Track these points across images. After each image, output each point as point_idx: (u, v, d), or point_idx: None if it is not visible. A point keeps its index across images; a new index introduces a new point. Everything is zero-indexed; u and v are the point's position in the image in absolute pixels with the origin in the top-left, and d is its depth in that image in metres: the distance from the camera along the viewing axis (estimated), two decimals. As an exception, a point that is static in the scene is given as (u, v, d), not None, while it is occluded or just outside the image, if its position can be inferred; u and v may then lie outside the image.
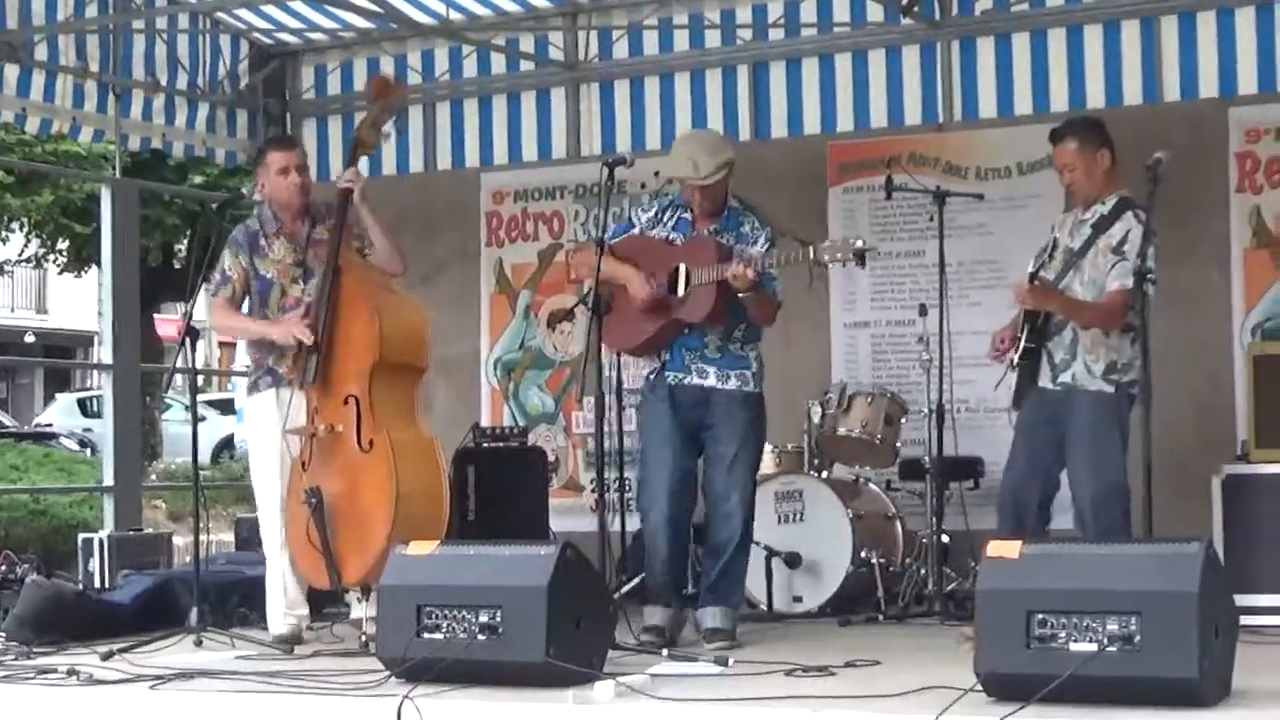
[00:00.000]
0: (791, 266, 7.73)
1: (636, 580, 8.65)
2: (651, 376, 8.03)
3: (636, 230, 8.09)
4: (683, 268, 7.83)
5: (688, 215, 8.03)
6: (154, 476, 21.11)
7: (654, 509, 7.93)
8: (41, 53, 10.81)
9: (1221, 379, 9.59)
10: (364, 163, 8.41)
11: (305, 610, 8.17)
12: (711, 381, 7.91)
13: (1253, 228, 9.78)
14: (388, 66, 12.00)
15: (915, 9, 10.40)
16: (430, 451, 7.91)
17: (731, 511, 7.89)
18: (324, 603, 8.56)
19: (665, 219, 8.06)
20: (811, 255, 7.55)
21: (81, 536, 10.35)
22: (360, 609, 7.75)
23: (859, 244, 7.48)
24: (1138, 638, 5.38)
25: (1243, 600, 6.29)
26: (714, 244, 7.84)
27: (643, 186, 10.39)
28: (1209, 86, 10.03)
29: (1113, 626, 5.42)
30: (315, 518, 7.67)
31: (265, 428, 8.14)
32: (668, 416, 7.94)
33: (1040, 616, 5.52)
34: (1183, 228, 9.13)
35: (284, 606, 8.09)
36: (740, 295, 7.67)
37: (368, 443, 7.72)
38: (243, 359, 12.83)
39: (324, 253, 8.03)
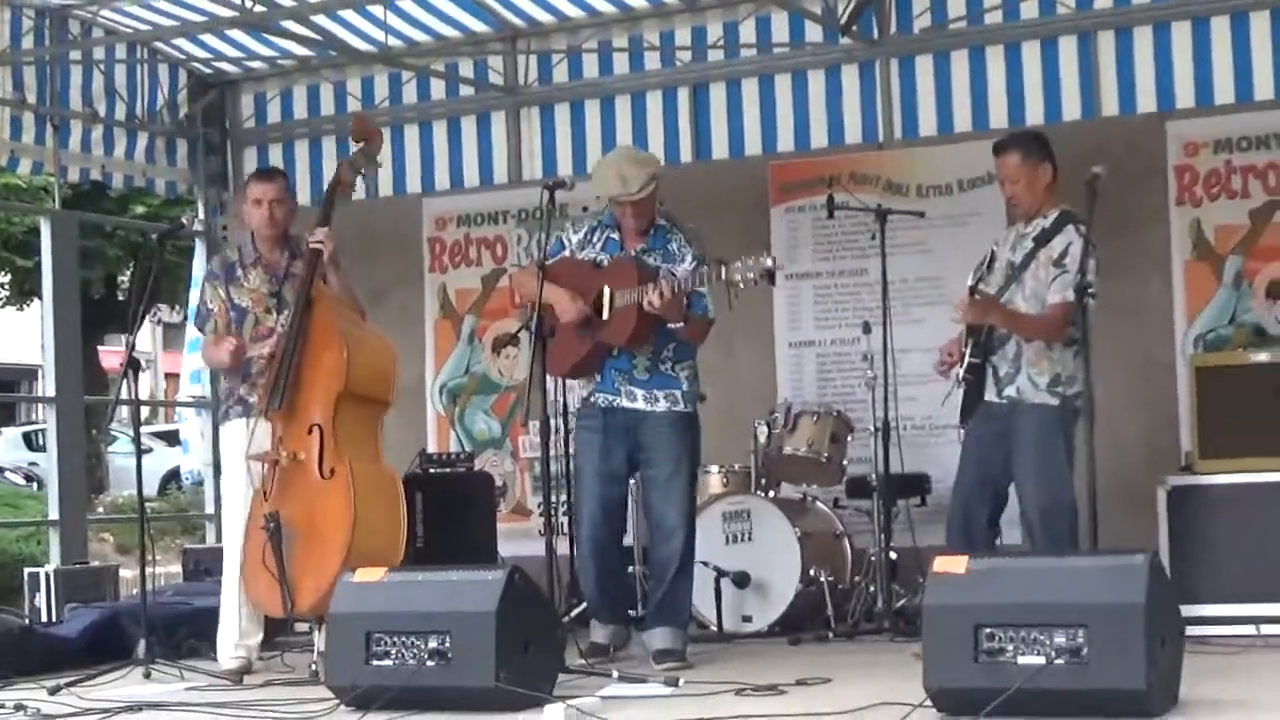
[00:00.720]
0: (711, 286, 7.73)
1: (585, 604, 8.65)
2: (586, 398, 8.04)
3: (567, 252, 8.10)
4: (607, 290, 7.85)
5: (616, 235, 8.04)
6: (101, 509, 20.98)
7: (582, 533, 8.01)
8: (-23, 85, 10.77)
9: (1165, 391, 9.64)
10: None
11: (258, 639, 8.15)
12: (640, 404, 7.93)
13: (1193, 240, 9.84)
14: (327, 94, 12.01)
15: (854, 28, 10.44)
16: (391, 486, 7.91)
17: (671, 532, 7.90)
18: (276, 631, 8.52)
19: (594, 240, 8.06)
20: (723, 275, 7.55)
21: (28, 571, 10.27)
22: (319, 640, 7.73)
23: (768, 262, 7.48)
24: (1085, 650, 5.40)
25: (1188, 611, 6.32)
26: (635, 266, 7.85)
27: (585, 210, 10.35)
28: (1147, 101, 10.09)
29: (1060, 639, 5.44)
30: (272, 543, 7.64)
31: (234, 456, 8.15)
32: (598, 440, 7.97)
33: (988, 630, 5.54)
34: (1123, 241, 9.18)
35: (235, 637, 8.06)
36: (659, 317, 7.69)
37: (329, 471, 7.71)
38: (187, 389, 12.80)
39: (298, 285, 8.04)
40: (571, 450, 8.17)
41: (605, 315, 7.85)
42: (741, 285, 7.54)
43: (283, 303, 8.14)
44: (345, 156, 8.59)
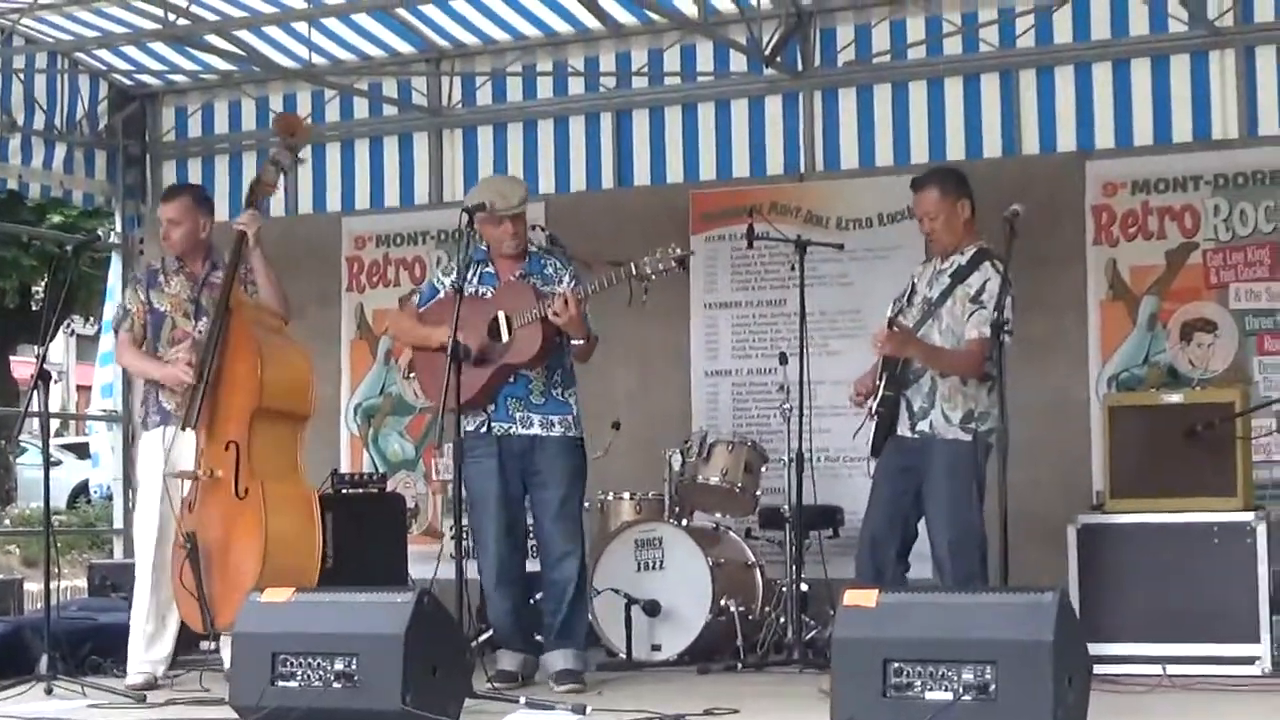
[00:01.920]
0: (616, 289, 7.77)
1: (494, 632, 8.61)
2: (478, 430, 8.01)
3: (443, 294, 8.13)
4: (502, 315, 7.91)
5: (490, 268, 8.14)
6: (8, 521, 20.77)
7: (489, 563, 8.03)
8: (-106, 92, 10.66)
9: (1077, 429, 9.68)
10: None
11: (166, 652, 8.09)
12: (537, 430, 8.00)
13: (1109, 280, 9.90)
14: (249, 109, 11.94)
15: (778, 59, 10.46)
16: (306, 505, 7.88)
17: (564, 556, 8.00)
18: (181, 649, 8.44)
19: (470, 276, 8.05)
20: (634, 270, 7.65)
21: None
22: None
23: (677, 250, 7.63)
24: (993, 687, 5.41)
25: (1096, 649, 6.35)
26: (528, 286, 7.98)
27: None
28: (1067, 140, 10.16)
29: (968, 675, 5.45)
30: (190, 561, 7.63)
31: (148, 466, 8.15)
32: (495, 469, 8.00)
33: (896, 665, 5.54)
34: (1040, 279, 9.23)
35: (142, 652, 8.01)
36: (565, 331, 7.79)
37: (243, 490, 7.68)
38: (99, 403, 12.69)
39: (218, 293, 8.00)
40: (465, 483, 8.15)
41: (505, 337, 7.89)
42: (653, 276, 7.63)
43: (200, 309, 8.15)
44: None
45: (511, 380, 7.98)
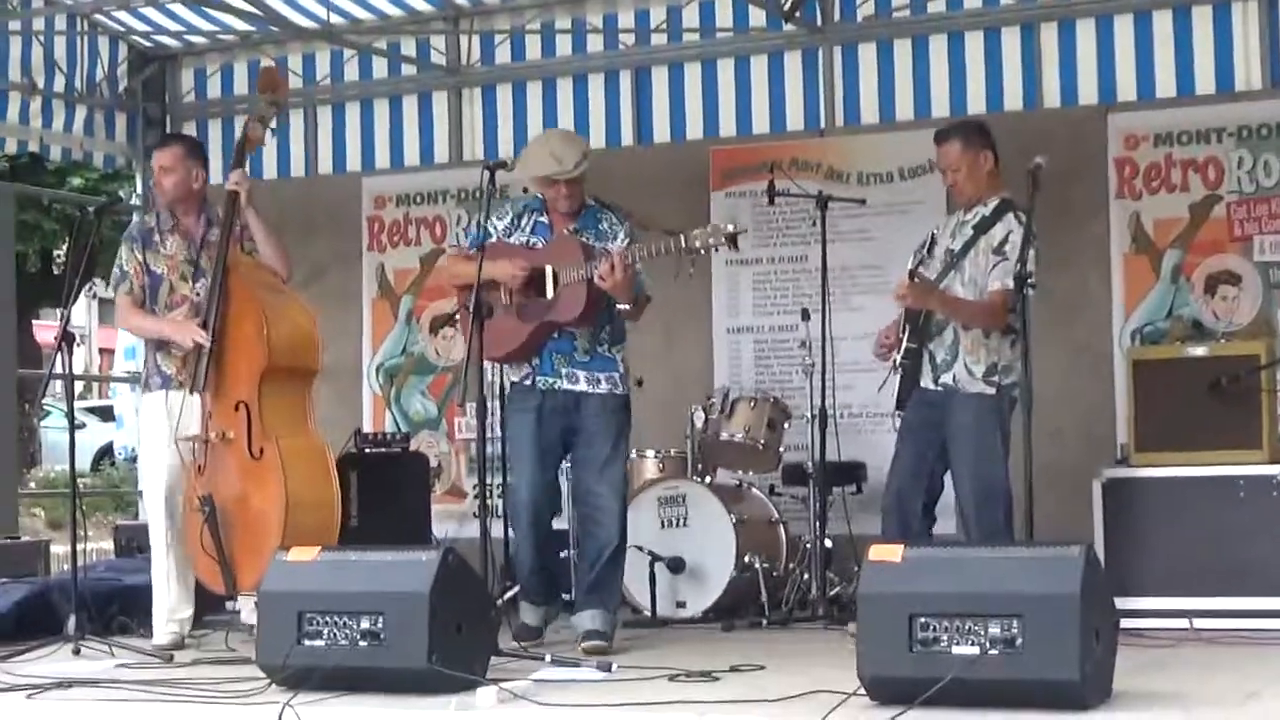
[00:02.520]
0: (661, 259, 7.68)
1: (518, 586, 8.62)
2: (522, 382, 7.97)
3: (494, 238, 8.01)
4: (549, 269, 7.80)
5: (544, 219, 8.00)
6: (33, 484, 20.86)
7: (518, 518, 7.97)
8: (-88, 55, 10.67)
9: (1102, 383, 9.68)
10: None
11: (188, 613, 8.11)
12: (582, 386, 7.88)
13: (1132, 233, 9.87)
14: (268, 69, 11.92)
15: (797, 15, 10.43)
16: (321, 458, 7.88)
17: (605, 515, 7.87)
18: (206, 609, 8.47)
19: (522, 224, 8.00)
20: (684, 243, 7.51)
21: None
22: (252, 615, 7.68)
23: (730, 227, 7.49)
24: (1019, 640, 5.40)
25: (1123, 603, 6.34)
26: (578, 243, 7.82)
27: (525, 190, 10.30)
28: (1089, 93, 10.11)
29: (994, 629, 5.44)
30: (209, 525, 7.64)
31: (152, 429, 8.13)
32: (532, 424, 7.91)
33: (922, 620, 5.53)
34: (1063, 233, 9.20)
35: (166, 612, 8.03)
36: (609, 293, 7.65)
37: (258, 450, 7.69)
38: (123, 365, 12.71)
39: (214, 253, 8.00)
40: (504, 433, 8.12)
41: (550, 294, 7.81)
42: (702, 251, 7.53)
43: (199, 271, 8.12)
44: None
45: (556, 336, 7.86)
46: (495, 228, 8.04)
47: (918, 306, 7.71)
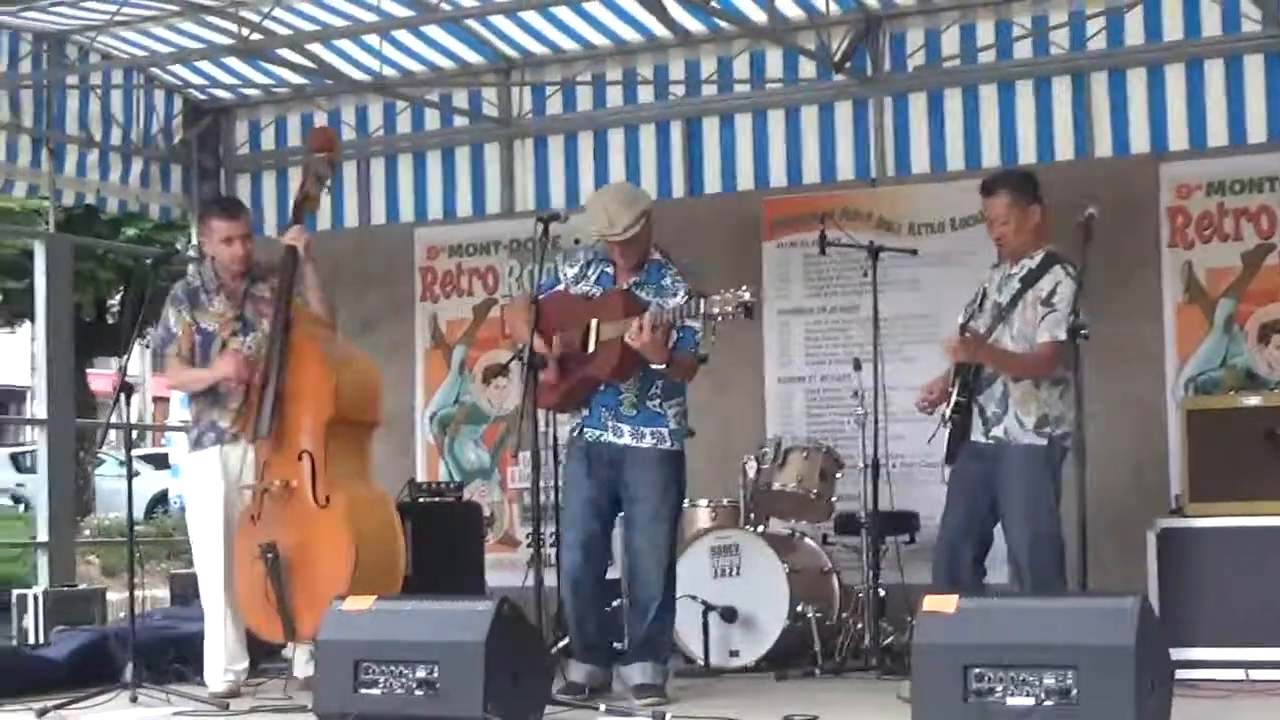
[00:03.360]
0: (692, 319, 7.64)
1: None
2: (572, 433, 8.00)
3: (562, 286, 8.06)
4: (594, 323, 7.83)
5: (610, 269, 7.99)
6: (88, 532, 20.96)
7: (566, 569, 7.94)
8: (-26, 108, 10.80)
9: (1156, 433, 9.64)
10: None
11: (244, 664, 8.13)
12: (626, 440, 7.87)
13: (1184, 283, 9.85)
14: (321, 122, 12.01)
15: (847, 65, 10.47)
16: (385, 509, 7.92)
17: (649, 571, 7.85)
18: (262, 658, 8.51)
19: (589, 273, 8.02)
20: (700, 309, 7.48)
21: (15, 592, 10.26)
22: (307, 666, 7.72)
23: (745, 295, 7.38)
24: (1074, 692, 5.40)
25: (1177, 654, 6.32)
26: (623, 299, 7.79)
27: (576, 241, 10.32)
28: (1140, 142, 10.11)
29: (1049, 681, 5.44)
30: (271, 573, 7.64)
31: (207, 484, 8.13)
32: (583, 475, 7.92)
33: (977, 671, 5.54)
34: (1115, 283, 9.20)
35: (224, 662, 8.04)
36: (642, 354, 7.61)
37: (324, 499, 7.71)
38: (178, 414, 12.80)
39: (263, 308, 8.08)
40: (560, 482, 8.15)
41: (591, 348, 7.83)
42: (719, 318, 7.47)
43: (247, 325, 8.16)
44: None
45: (602, 388, 7.87)
46: (566, 275, 8.07)
47: (968, 361, 7.70)
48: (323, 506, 7.69)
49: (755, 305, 7.48)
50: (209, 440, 8.15)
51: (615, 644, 8.20)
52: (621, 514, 8.01)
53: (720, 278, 8.01)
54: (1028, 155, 10.27)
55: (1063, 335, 7.31)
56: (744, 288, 7.44)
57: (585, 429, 7.95)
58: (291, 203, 8.60)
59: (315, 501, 7.71)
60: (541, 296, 7.95)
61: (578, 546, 7.89)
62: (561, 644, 8.73)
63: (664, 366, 7.67)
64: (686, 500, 9.50)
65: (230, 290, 8.23)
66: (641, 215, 7.82)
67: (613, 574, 8.31)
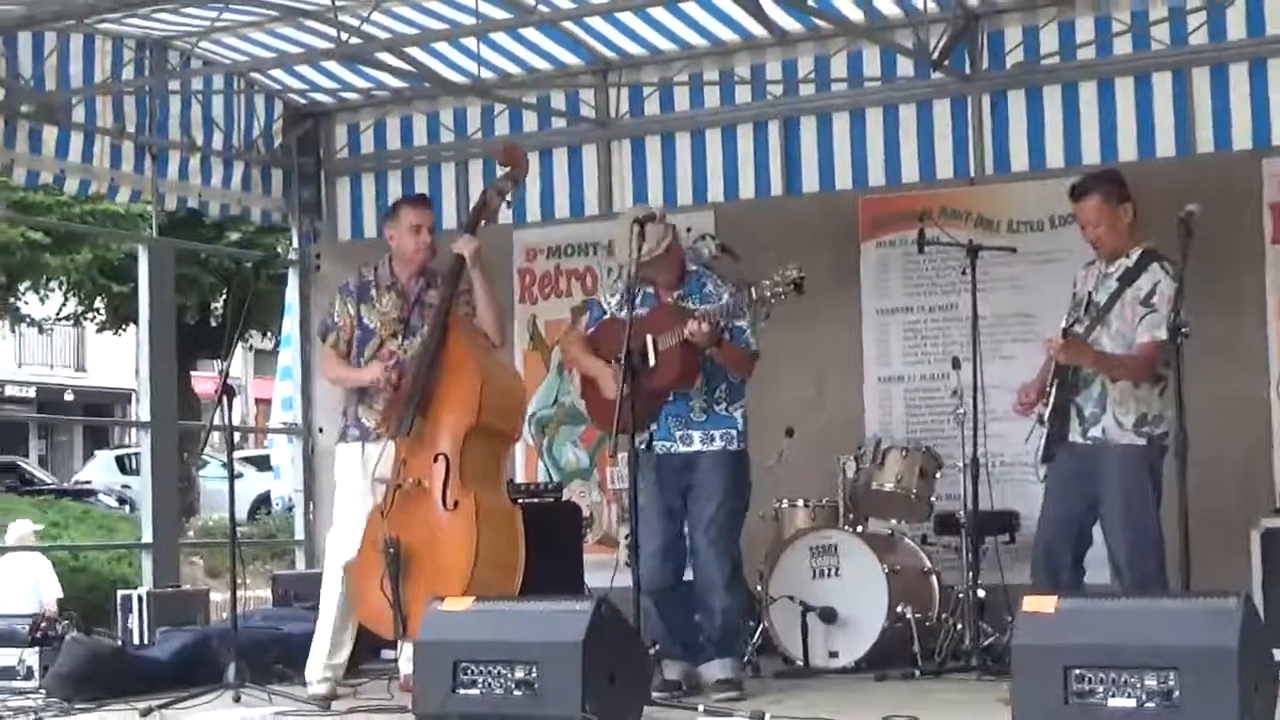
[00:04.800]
0: (753, 309, 7.75)
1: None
2: (641, 447, 7.98)
3: (607, 315, 8.19)
4: (649, 338, 7.88)
5: (651, 289, 8.11)
6: (191, 533, 21.18)
7: (645, 575, 7.93)
8: (79, 115, 10.94)
9: (1258, 431, 9.56)
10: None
11: (342, 658, 8.12)
12: (696, 445, 8.02)
13: (1288, 278, 9.76)
14: (420, 125, 12.10)
15: (946, 63, 10.43)
16: (511, 521, 7.90)
17: (713, 570, 7.97)
18: (364, 658, 8.56)
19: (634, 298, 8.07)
20: (753, 295, 7.59)
21: (120, 593, 10.39)
22: (409, 665, 7.75)
23: (794, 273, 7.48)
24: (1177, 693, 5.36)
25: (1281, 655, 6.26)
26: (671, 310, 7.94)
27: (609, 271, 10.41)
28: (1242, 138, 10.02)
29: (1151, 682, 5.40)
30: (390, 567, 7.65)
31: (346, 477, 8.20)
32: (654, 487, 8.03)
33: (1078, 672, 5.50)
34: (1217, 280, 9.10)
35: (324, 658, 8.06)
36: (707, 351, 7.76)
37: (453, 502, 7.72)
38: (279, 416, 12.90)
39: (429, 314, 8.08)
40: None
41: (652, 362, 7.89)
42: (771, 299, 7.57)
43: (409, 329, 8.17)
44: (489, 183, 8.60)
45: (671, 399, 7.98)
46: (609, 304, 8.23)
47: (1070, 363, 7.66)
48: (450, 510, 7.71)
49: (803, 280, 7.53)
50: (352, 435, 8.22)
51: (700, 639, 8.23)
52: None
53: (818, 277, 8.01)
54: (1128, 152, 10.21)
55: (1163, 335, 7.25)
56: (791, 266, 7.54)
57: (655, 442, 8.07)
58: (470, 210, 8.65)
59: (444, 504, 7.72)
60: (590, 328, 8.18)
61: (656, 550, 8.00)
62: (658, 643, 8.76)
63: (716, 349, 7.77)
64: (784, 501, 9.55)
65: (403, 289, 8.24)
66: (665, 233, 7.96)
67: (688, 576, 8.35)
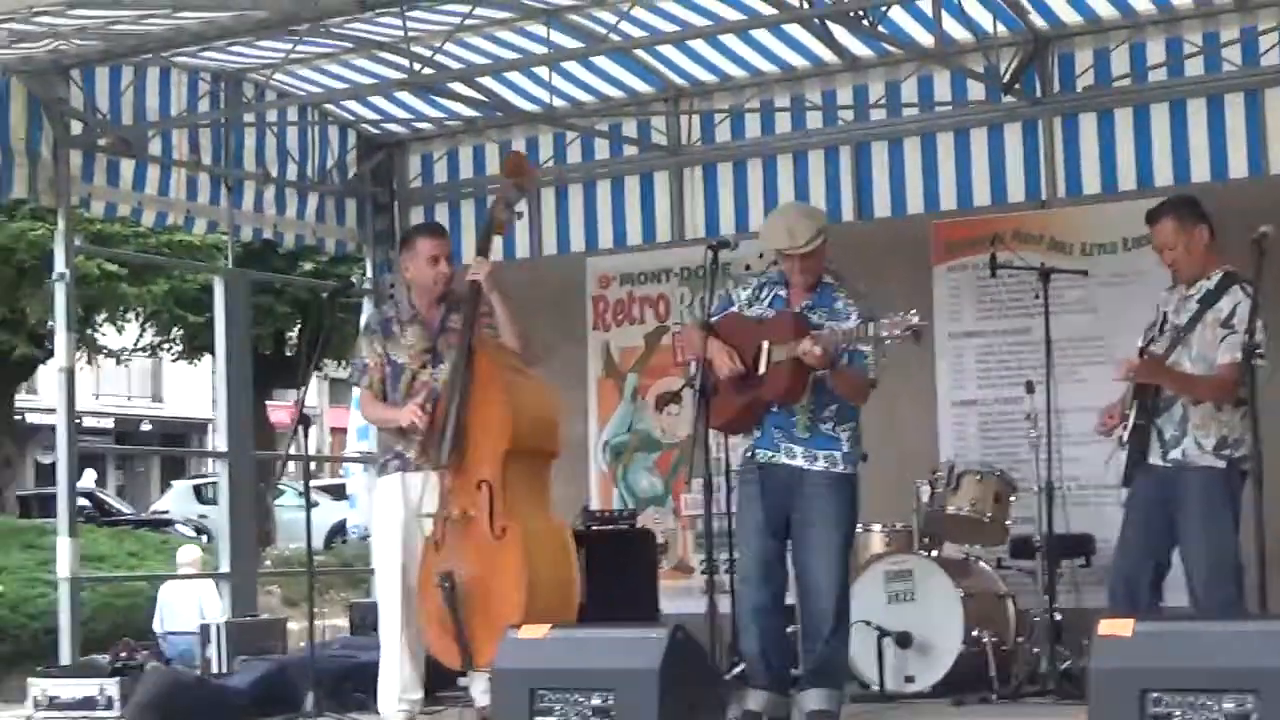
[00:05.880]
0: (874, 349, 7.63)
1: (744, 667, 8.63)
2: (745, 455, 7.98)
3: (735, 308, 8.06)
4: (765, 345, 7.79)
5: (783, 292, 7.96)
6: (268, 562, 21.26)
7: (743, 594, 7.88)
8: (156, 147, 11.03)
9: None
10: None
11: (419, 695, 8.13)
12: (799, 462, 7.81)
13: (1364, 298, 9.68)
14: (493, 154, 12.16)
15: (1016, 86, 10.42)
16: (561, 539, 7.91)
17: (822, 597, 7.76)
18: (440, 687, 8.59)
19: (763, 296, 8.00)
20: (870, 332, 7.47)
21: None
22: (484, 695, 7.77)
23: (914, 320, 7.35)
24: (1254, 716, 5.33)
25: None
26: (793, 320, 7.77)
27: (747, 268, 10.39)
28: (1316, 158, 9.98)
29: (1229, 705, 5.38)
30: (448, 602, 7.67)
31: (388, 511, 8.19)
32: (757, 498, 7.86)
33: (1155, 695, 5.49)
34: (1292, 301, 9.05)
35: (398, 691, 8.06)
36: (817, 373, 7.64)
37: (500, 530, 7.72)
38: (355, 445, 12.98)
39: (454, 339, 8.08)
40: (733, 506, 8.16)
41: (762, 370, 7.82)
42: (888, 342, 7.46)
43: (438, 357, 8.17)
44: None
45: (775, 410, 7.84)
46: (739, 297, 8.08)
47: (1147, 382, 7.64)
48: (499, 538, 7.72)
49: (923, 330, 7.45)
50: (393, 467, 8.22)
51: (794, 670, 8.18)
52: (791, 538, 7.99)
53: (891, 302, 7.98)
54: (1201, 174, 10.17)
55: (1240, 356, 7.23)
56: (913, 311, 7.41)
57: (757, 450, 7.93)
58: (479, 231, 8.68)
59: (492, 533, 7.74)
60: (715, 318, 7.98)
61: (755, 572, 7.85)
62: (735, 671, 8.75)
63: (825, 372, 7.63)
64: (860, 525, 9.50)
65: (426, 320, 8.25)
66: (819, 232, 7.83)
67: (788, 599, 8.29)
